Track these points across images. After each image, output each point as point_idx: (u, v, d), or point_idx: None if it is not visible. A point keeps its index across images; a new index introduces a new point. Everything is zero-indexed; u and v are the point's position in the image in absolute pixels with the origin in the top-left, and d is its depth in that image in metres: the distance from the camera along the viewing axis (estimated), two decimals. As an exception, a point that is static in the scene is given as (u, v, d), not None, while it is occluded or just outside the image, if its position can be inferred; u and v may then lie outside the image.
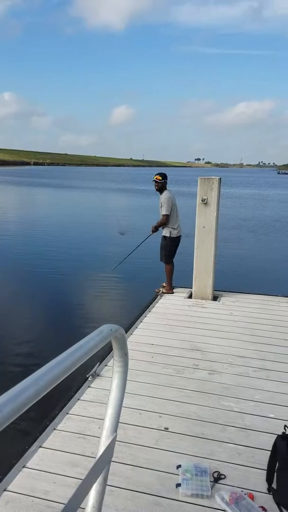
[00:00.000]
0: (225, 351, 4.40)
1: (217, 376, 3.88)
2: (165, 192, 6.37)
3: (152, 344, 4.51)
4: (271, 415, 3.28)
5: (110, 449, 1.75)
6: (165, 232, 6.39)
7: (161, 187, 6.41)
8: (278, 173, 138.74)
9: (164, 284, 6.57)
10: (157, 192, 6.48)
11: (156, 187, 6.43)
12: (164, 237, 6.42)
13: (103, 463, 1.52)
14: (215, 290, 6.34)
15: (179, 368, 4.00)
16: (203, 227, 6.14)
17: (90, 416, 3.23)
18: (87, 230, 16.83)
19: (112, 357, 1.39)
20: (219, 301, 6.13)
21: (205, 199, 6.07)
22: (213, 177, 6.10)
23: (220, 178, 6.20)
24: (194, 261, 6.23)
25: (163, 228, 6.42)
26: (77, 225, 18.03)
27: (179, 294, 6.44)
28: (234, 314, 5.55)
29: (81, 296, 8.42)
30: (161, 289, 6.54)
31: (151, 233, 6.59)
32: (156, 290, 6.53)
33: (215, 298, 6.25)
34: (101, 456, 1.34)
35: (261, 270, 10.82)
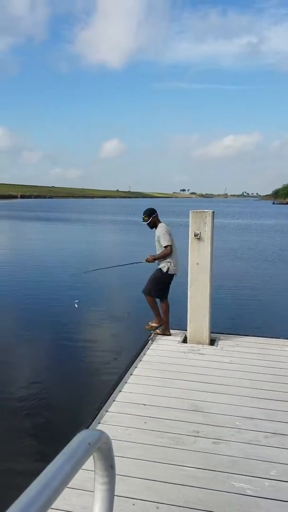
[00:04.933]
0: (230, 411, 3.80)
1: (223, 446, 3.28)
2: (160, 225, 5.94)
3: (144, 405, 3.89)
4: (292, 499, 2.68)
5: None
6: (163, 265, 5.85)
7: (153, 224, 5.99)
8: (273, 203, 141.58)
9: (154, 324, 5.95)
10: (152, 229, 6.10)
11: (149, 226, 6.03)
12: (160, 269, 5.86)
13: None
14: (211, 333, 5.78)
15: (177, 437, 3.38)
16: (197, 263, 5.64)
17: (70, 510, 2.59)
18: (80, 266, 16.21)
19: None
20: (216, 346, 5.55)
21: (198, 234, 5.60)
22: (206, 210, 5.67)
23: (213, 212, 5.76)
24: (188, 301, 5.69)
25: (160, 261, 5.90)
26: (68, 262, 17.34)
27: (173, 338, 5.86)
28: (234, 362, 4.97)
29: (65, 338, 7.74)
30: (157, 330, 5.95)
31: (145, 261, 6.05)
32: (148, 327, 5.93)
33: (212, 341, 5.68)
34: None
35: (260, 308, 10.13)
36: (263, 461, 3.10)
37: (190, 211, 5.69)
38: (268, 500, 2.69)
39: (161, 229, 5.88)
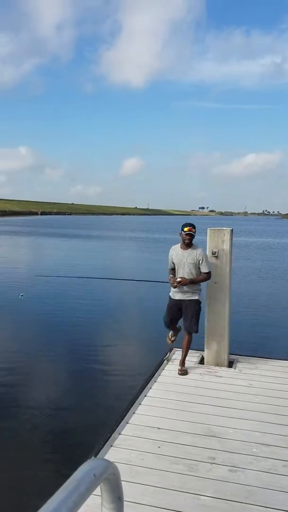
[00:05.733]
0: (247, 437, 3.66)
1: (240, 474, 3.14)
2: (199, 247, 5.36)
3: (158, 428, 3.78)
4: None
5: None
6: (196, 295, 5.32)
7: (191, 241, 5.33)
8: None
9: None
10: (180, 245, 5.38)
11: (187, 242, 5.27)
12: (197, 301, 5.32)
13: None
14: (230, 354, 5.62)
15: (192, 464, 3.25)
16: (215, 283, 5.54)
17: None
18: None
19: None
20: (235, 368, 5.39)
21: (215, 252, 5.52)
22: (224, 228, 5.59)
23: (232, 229, 5.68)
24: (206, 321, 5.57)
25: (192, 288, 5.27)
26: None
27: (189, 358, 5.69)
28: (253, 385, 4.81)
29: (79, 356, 7.67)
30: (172, 339, 5.78)
31: (176, 283, 5.19)
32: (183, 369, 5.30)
33: (230, 363, 5.52)
34: None
35: (283, 330, 9.76)
36: (281, 491, 2.95)
37: (208, 229, 5.61)
38: (287, 535, 2.55)
39: (203, 252, 5.31)
